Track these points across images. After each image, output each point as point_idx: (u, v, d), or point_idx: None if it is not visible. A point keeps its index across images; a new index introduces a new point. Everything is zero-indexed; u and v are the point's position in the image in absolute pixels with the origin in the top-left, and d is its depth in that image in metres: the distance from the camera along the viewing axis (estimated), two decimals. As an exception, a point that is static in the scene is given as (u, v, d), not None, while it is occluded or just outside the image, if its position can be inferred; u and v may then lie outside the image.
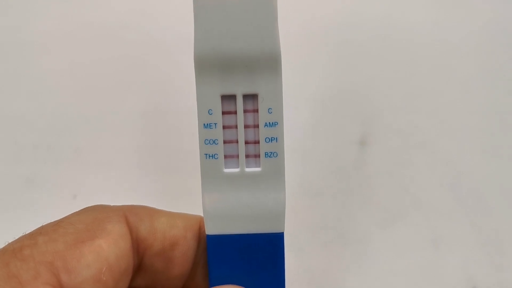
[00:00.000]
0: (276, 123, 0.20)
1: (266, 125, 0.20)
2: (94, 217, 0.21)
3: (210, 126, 0.20)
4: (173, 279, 0.23)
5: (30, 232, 0.20)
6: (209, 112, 0.20)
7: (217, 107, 0.20)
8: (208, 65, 0.19)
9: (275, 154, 0.21)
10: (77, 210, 0.22)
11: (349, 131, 0.32)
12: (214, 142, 0.20)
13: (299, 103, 0.33)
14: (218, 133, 0.20)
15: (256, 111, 0.20)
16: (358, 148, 0.32)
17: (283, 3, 0.37)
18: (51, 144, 0.34)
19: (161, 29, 0.36)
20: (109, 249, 0.21)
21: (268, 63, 0.20)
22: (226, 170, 0.21)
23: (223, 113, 0.20)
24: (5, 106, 0.35)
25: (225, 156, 0.21)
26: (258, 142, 0.21)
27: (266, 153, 0.21)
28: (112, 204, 0.22)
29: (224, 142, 0.21)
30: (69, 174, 0.33)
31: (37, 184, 0.33)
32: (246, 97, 0.20)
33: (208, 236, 0.21)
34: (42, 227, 0.21)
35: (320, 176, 0.32)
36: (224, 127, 0.20)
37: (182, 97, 0.33)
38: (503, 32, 0.33)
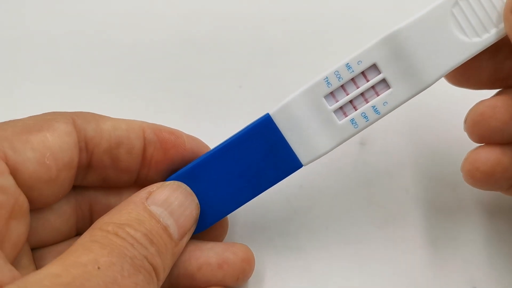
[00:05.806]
0: (378, 113, 0.24)
1: (373, 107, 0.24)
2: (43, 117, 0.24)
3: (349, 68, 0.24)
4: (122, 174, 0.26)
5: None
6: (358, 63, 0.24)
7: (365, 65, 0.24)
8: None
9: (356, 126, 0.25)
10: None
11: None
12: (339, 77, 0.24)
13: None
14: (346, 76, 0.24)
15: (377, 94, 0.24)
16: (358, 148, 0.33)
17: (284, 1, 0.37)
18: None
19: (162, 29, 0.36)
20: (53, 141, 0.23)
21: (418, 83, 0.24)
22: (324, 99, 0.25)
23: (362, 72, 0.24)
24: (5, 106, 0.35)
25: (330, 94, 0.25)
26: (357, 109, 0.25)
27: (352, 120, 0.25)
28: None
29: (341, 86, 0.24)
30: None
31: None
32: (383, 80, 0.24)
33: (267, 114, 0.25)
34: None
35: (320, 176, 0.32)
36: (352, 79, 0.24)
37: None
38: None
